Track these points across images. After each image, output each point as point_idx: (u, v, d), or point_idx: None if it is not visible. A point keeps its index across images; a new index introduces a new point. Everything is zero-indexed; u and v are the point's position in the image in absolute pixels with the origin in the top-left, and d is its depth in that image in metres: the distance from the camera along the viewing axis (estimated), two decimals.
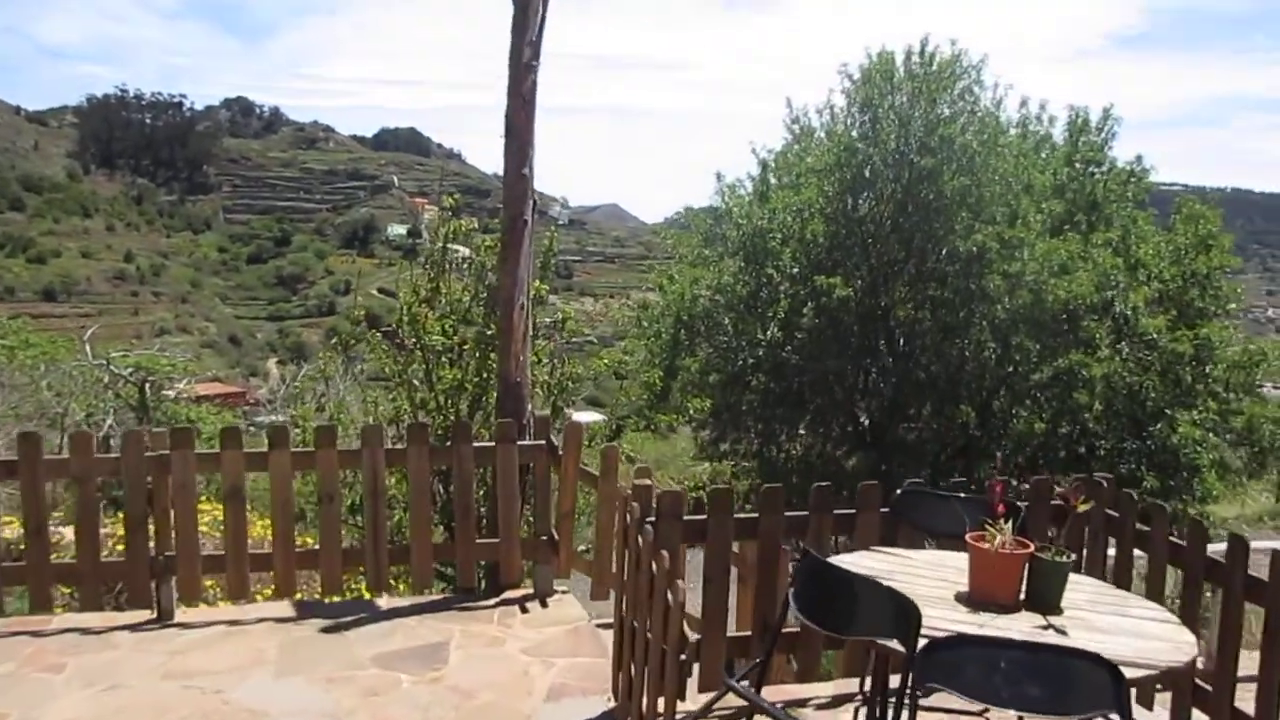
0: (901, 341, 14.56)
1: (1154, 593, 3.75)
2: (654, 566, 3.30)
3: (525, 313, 5.26)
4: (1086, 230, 13.86)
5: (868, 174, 13.82)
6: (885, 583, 2.68)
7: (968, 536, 2.94)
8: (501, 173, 5.28)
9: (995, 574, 2.87)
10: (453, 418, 6.69)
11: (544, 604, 5.00)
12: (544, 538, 5.12)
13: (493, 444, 5.02)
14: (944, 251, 13.65)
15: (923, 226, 13.65)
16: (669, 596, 3.13)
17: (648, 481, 3.83)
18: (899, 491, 3.95)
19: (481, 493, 5.70)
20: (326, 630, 4.49)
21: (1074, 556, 2.92)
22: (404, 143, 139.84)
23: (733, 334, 14.00)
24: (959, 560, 3.28)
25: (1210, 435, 13.22)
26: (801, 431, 15.48)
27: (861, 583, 2.72)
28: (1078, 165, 14.77)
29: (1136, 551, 4.07)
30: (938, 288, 13.91)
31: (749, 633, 4.01)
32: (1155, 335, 13.16)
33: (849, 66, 14.22)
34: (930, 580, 3.07)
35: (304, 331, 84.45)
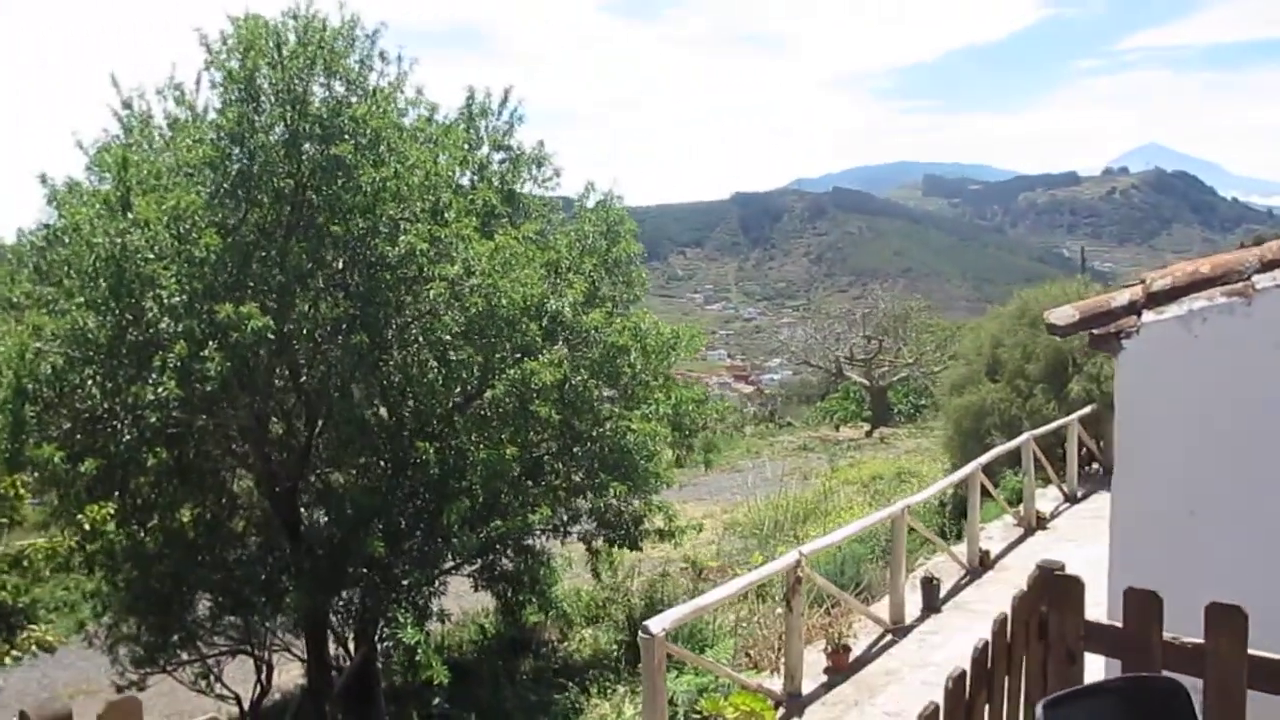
0: (318, 375, 12.04)
1: None
2: None
3: None
4: (512, 225, 12.72)
5: (256, 169, 11.05)
6: None
7: None
8: None
9: None
10: None
11: None
12: None
13: None
14: (366, 258, 11.47)
15: (331, 229, 11.30)
16: None
17: None
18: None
19: None
20: None
21: None
22: None
23: (100, 399, 10.26)
24: None
25: (659, 426, 13.02)
26: (191, 506, 12.20)
27: None
28: (482, 152, 13.58)
29: None
30: (358, 304, 11.69)
31: None
32: (594, 331, 12.53)
33: (208, 34, 11.23)
34: None
35: None
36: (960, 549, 11.90)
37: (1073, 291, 17.97)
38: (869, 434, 38.30)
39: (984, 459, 12.23)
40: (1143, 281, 5.06)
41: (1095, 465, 16.51)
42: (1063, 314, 5.22)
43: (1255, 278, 4.64)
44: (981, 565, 11.67)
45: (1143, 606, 3.34)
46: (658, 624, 7.07)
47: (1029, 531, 13.09)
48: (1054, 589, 3.48)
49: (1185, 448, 4.87)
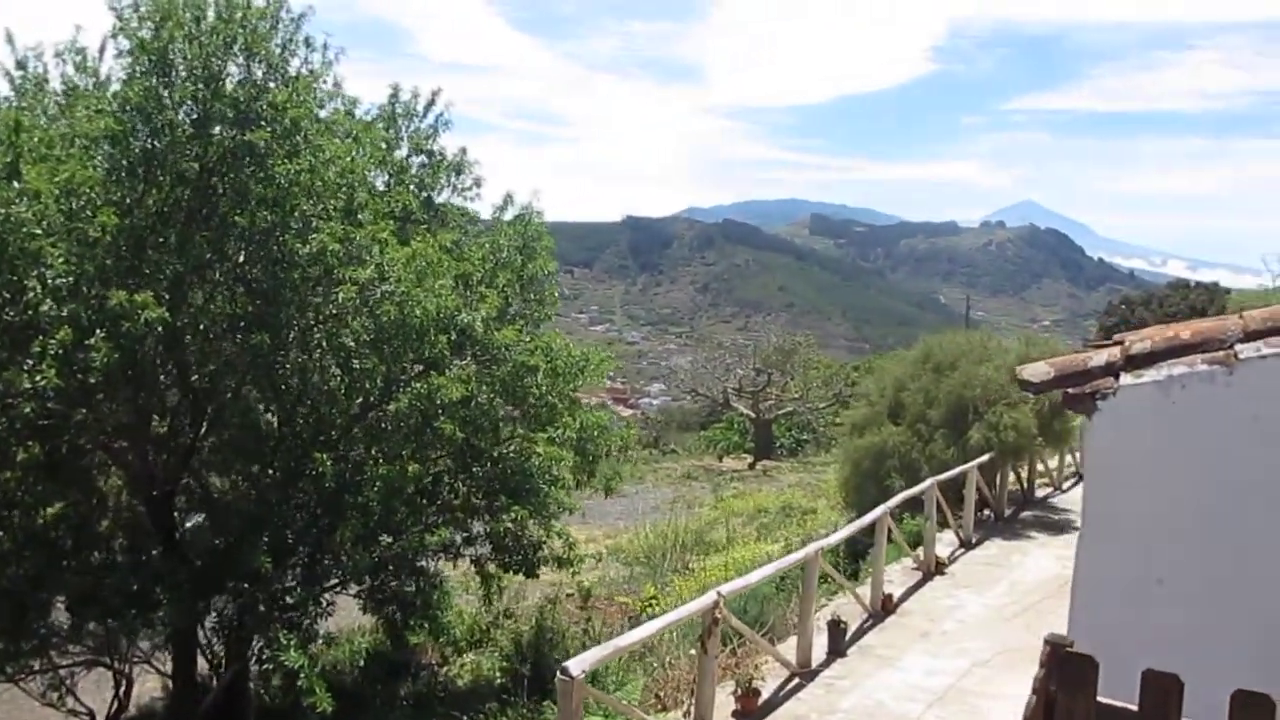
0: (209, 374, 11.34)
1: None
2: None
3: None
4: (430, 232, 12.24)
5: (161, 147, 10.37)
6: None
7: None
8: None
9: None
10: None
11: None
12: None
13: None
14: (271, 253, 10.86)
15: (235, 220, 10.67)
16: None
17: None
18: None
19: None
20: None
21: None
22: None
23: None
24: None
25: (565, 451, 12.66)
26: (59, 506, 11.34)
27: None
28: (401, 154, 13.07)
29: None
30: (258, 301, 11.06)
31: None
32: (505, 348, 12.11)
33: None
34: None
35: None
36: (863, 590, 11.86)
37: (976, 340, 18.41)
38: (752, 466, 38.56)
39: (892, 503, 12.25)
40: (1120, 343, 5.00)
41: (988, 511, 16.81)
42: (1037, 370, 5.13)
43: (1238, 346, 4.61)
44: (884, 609, 11.65)
45: (1161, 689, 3.18)
46: (577, 666, 6.73)
47: (928, 576, 13.17)
48: (1064, 668, 3.30)
49: (1156, 515, 4.80)
